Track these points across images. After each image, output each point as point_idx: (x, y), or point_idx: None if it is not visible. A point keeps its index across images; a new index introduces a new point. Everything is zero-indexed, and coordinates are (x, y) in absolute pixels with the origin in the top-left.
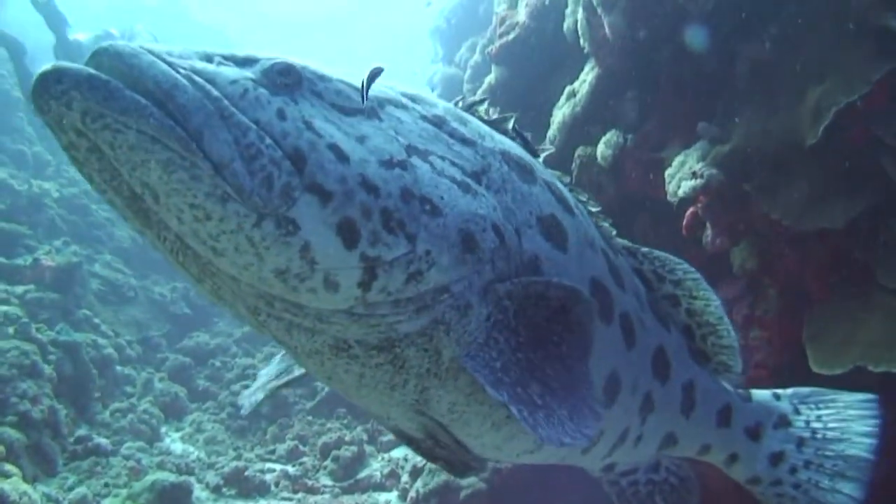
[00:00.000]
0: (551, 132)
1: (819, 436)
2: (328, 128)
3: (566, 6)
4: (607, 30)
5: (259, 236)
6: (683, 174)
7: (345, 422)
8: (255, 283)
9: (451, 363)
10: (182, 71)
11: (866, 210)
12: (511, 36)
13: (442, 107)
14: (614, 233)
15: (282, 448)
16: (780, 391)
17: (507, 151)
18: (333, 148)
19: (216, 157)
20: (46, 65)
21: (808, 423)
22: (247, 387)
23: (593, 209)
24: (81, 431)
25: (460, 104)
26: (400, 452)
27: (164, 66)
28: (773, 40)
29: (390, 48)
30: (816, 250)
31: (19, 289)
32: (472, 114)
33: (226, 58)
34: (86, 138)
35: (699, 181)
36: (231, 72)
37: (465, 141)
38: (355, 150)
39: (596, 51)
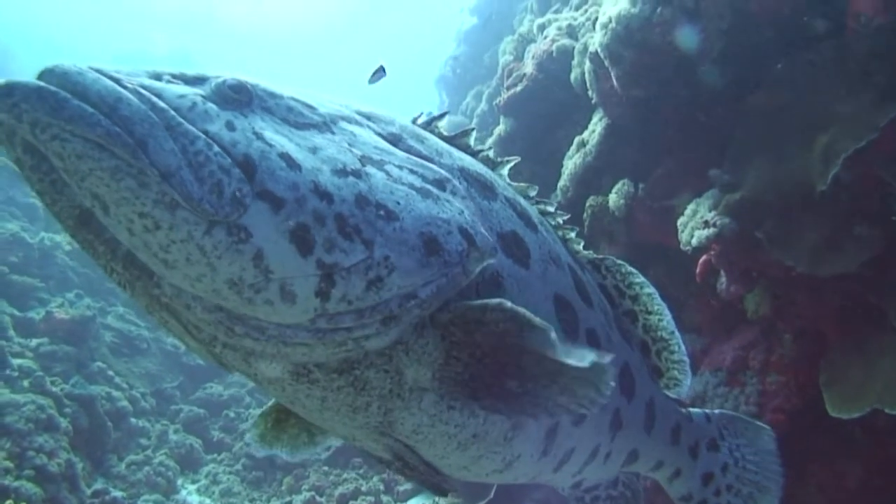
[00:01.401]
0: (562, 182)
1: (739, 464)
2: (279, 139)
3: (572, 57)
4: (615, 82)
5: (210, 244)
6: (696, 223)
7: (361, 472)
8: (209, 296)
9: (415, 384)
10: (129, 86)
11: (878, 254)
12: (519, 88)
13: (398, 124)
14: (581, 245)
15: (298, 499)
16: (710, 412)
17: (465, 168)
18: (284, 156)
19: (163, 165)
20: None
21: (730, 450)
22: None
23: (561, 219)
24: (98, 485)
25: (419, 121)
26: (417, 502)
27: (109, 82)
28: (780, 88)
29: (397, 97)
30: (830, 295)
31: (33, 342)
32: (431, 131)
33: (175, 76)
34: (36, 152)
35: (712, 230)
36: (179, 88)
37: (421, 157)
38: (307, 158)
39: (604, 101)
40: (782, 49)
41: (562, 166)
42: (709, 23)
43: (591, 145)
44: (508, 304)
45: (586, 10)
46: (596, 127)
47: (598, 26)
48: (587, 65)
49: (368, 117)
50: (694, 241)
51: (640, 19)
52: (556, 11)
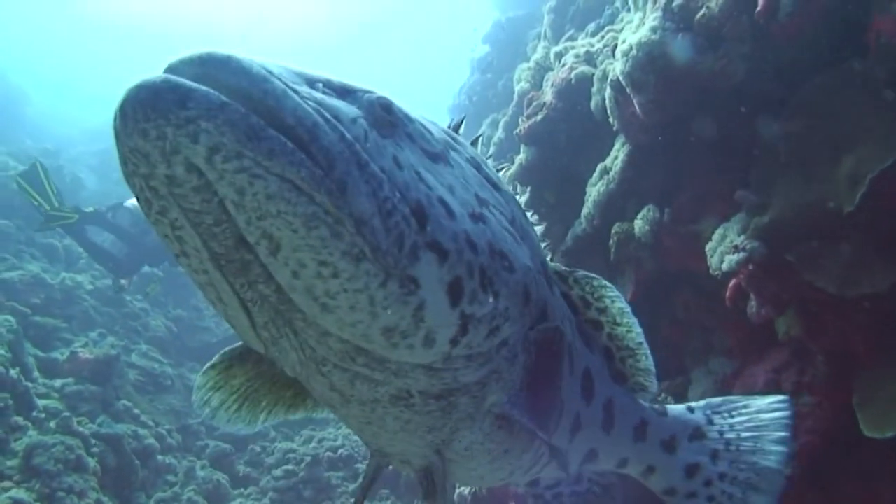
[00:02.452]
0: (586, 209)
1: (733, 447)
2: (430, 178)
3: (592, 85)
4: (637, 108)
5: (382, 296)
6: (725, 248)
7: (388, 503)
8: (354, 339)
9: (491, 407)
10: (310, 104)
11: None
12: (539, 116)
13: (469, 146)
14: (549, 256)
15: None
16: (693, 403)
17: (514, 195)
18: (442, 202)
19: (358, 213)
20: (151, 75)
21: (721, 433)
22: (289, 472)
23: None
24: None
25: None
26: None
27: (299, 98)
28: (804, 109)
29: None
30: (862, 315)
31: (58, 382)
32: None
33: (326, 85)
34: (196, 177)
35: (742, 254)
36: (346, 107)
37: (495, 186)
38: (453, 203)
39: (626, 127)
40: (805, 70)
41: (585, 193)
42: (730, 47)
43: (615, 172)
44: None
45: (603, 37)
46: (618, 153)
47: (618, 53)
48: (608, 91)
49: (454, 139)
50: (724, 266)
51: (662, 46)
52: (571, 38)
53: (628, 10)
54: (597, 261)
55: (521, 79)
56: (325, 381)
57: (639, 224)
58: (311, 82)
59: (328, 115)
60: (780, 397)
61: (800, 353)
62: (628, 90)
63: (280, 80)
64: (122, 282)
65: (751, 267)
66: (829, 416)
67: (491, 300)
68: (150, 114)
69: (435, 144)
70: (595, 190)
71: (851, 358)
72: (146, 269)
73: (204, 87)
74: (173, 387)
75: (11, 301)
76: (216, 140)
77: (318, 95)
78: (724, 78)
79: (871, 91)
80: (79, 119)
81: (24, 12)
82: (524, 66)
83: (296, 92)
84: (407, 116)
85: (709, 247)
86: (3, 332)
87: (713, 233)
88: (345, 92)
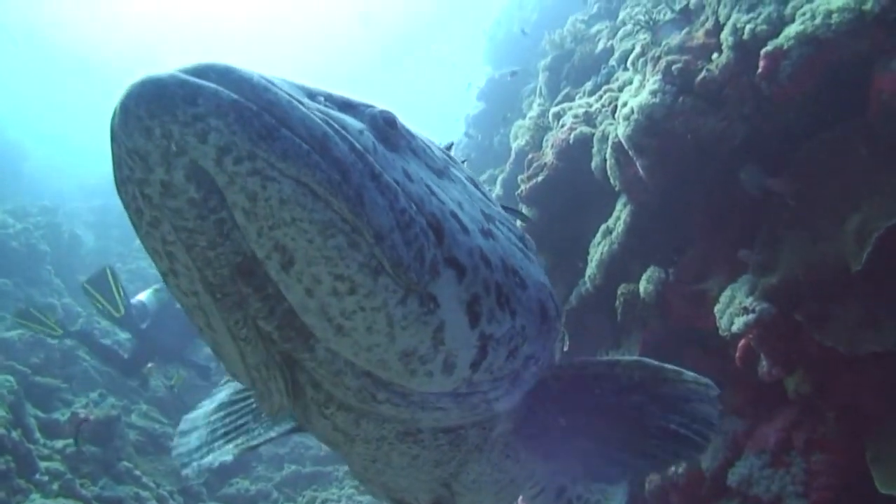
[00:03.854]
0: (590, 270)
1: None
2: (440, 192)
3: (592, 145)
4: (640, 170)
5: (400, 314)
6: (734, 309)
7: None
8: (370, 366)
9: (498, 438)
10: (317, 115)
11: None
12: (540, 178)
13: (464, 166)
14: None
15: None
16: None
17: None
18: (455, 216)
19: (377, 224)
20: (156, 71)
21: None
22: None
23: None
24: None
25: None
26: None
27: (305, 109)
28: (807, 167)
29: None
30: (872, 371)
31: (59, 443)
32: None
33: (327, 98)
34: (206, 182)
35: (751, 316)
36: (351, 119)
37: (494, 204)
38: (464, 218)
39: (628, 188)
40: (808, 129)
41: (587, 253)
42: (731, 109)
43: (618, 232)
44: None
45: (601, 96)
46: (621, 214)
47: (619, 117)
48: (609, 153)
49: (451, 158)
50: (734, 328)
51: (663, 109)
52: (567, 96)
53: (625, 69)
54: (601, 321)
55: (517, 136)
56: (328, 422)
57: (644, 285)
58: (312, 95)
59: (336, 126)
60: None
61: (810, 410)
62: (630, 153)
63: (283, 90)
64: (150, 365)
65: (760, 328)
66: (842, 473)
67: (508, 318)
68: (156, 110)
69: (438, 161)
70: (598, 250)
71: (863, 415)
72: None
73: (213, 84)
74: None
75: (11, 361)
76: (227, 139)
77: (323, 108)
78: (725, 139)
79: (874, 148)
80: (76, 172)
81: (18, 65)
82: (521, 122)
83: (300, 103)
84: (409, 132)
85: (717, 308)
86: (3, 393)
87: (720, 292)
88: (346, 106)
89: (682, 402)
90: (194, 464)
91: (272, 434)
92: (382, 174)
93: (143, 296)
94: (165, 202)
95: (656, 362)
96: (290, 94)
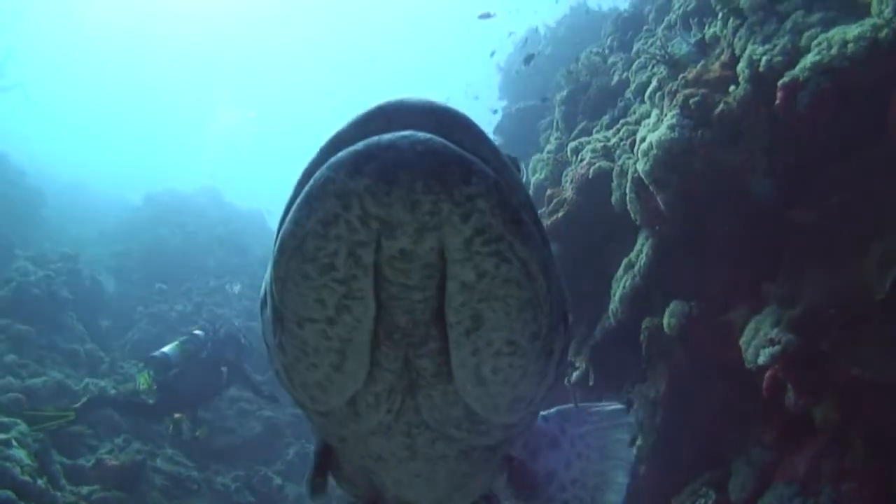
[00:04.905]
0: (613, 305)
1: (584, 456)
2: None
3: (611, 180)
4: (661, 205)
5: (532, 370)
6: (759, 341)
7: None
8: (482, 409)
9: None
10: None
11: None
12: (560, 214)
13: None
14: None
15: None
16: (545, 413)
17: None
18: (557, 268)
19: (554, 297)
20: (411, 132)
21: (573, 443)
22: None
23: None
24: None
25: None
26: None
27: (520, 181)
28: (828, 196)
29: None
30: None
31: (85, 489)
32: None
33: None
34: (436, 255)
35: (777, 347)
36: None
37: None
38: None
39: (649, 222)
40: (826, 157)
41: (610, 287)
42: (750, 141)
43: (640, 266)
44: None
45: (618, 130)
46: (643, 248)
47: (638, 152)
48: (629, 187)
49: None
50: (760, 360)
51: (682, 143)
52: (584, 129)
53: (641, 101)
54: (626, 355)
55: (536, 170)
56: (406, 441)
57: (668, 319)
58: None
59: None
60: (620, 406)
61: (839, 439)
62: (651, 188)
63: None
64: (177, 416)
65: (786, 359)
66: (871, 501)
67: (566, 357)
68: (434, 185)
69: None
70: (621, 284)
71: (891, 442)
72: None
73: (479, 161)
74: (200, 491)
75: (36, 409)
76: (486, 222)
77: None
78: (745, 171)
79: (893, 175)
80: (94, 217)
81: (34, 112)
82: (538, 156)
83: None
84: None
85: (742, 340)
86: (29, 441)
87: (744, 323)
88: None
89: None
90: None
91: None
92: (547, 241)
93: (168, 348)
94: (393, 264)
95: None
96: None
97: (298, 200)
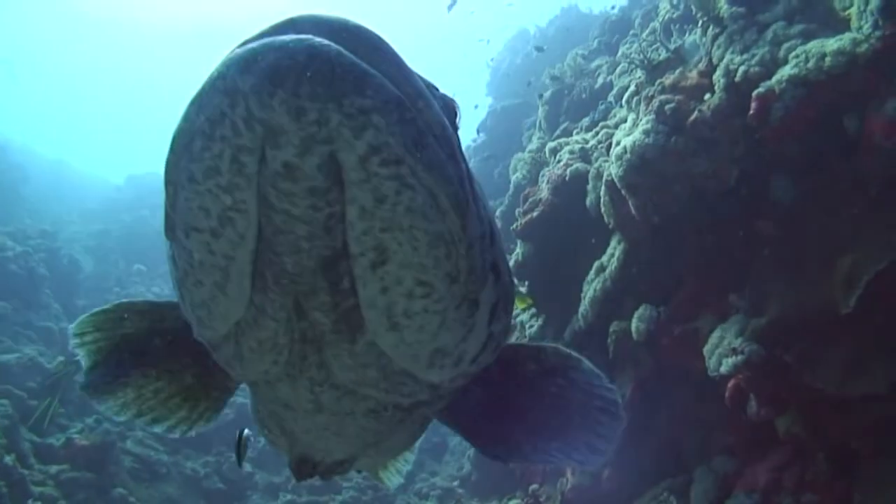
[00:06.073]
0: (583, 307)
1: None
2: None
3: (587, 182)
4: (633, 209)
5: (452, 317)
6: (723, 350)
7: None
8: (400, 360)
9: (432, 412)
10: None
11: None
12: (535, 213)
13: None
14: None
15: None
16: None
17: None
18: (492, 222)
19: (470, 236)
20: (306, 36)
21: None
22: None
23: None
24: None
25: None
26: None
27: (437, 108)
28: (798, 210)
29: None
30: (861, 413)
31: (54, 468)
32: None
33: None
34: (334, 174)
35: (740, 357)
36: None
37: None
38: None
39: (622, 226)
40: (798, 170)
41: (581, 289)
42: (723, 150)
43: (611, 269)
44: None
45: (597, 132)
46: (614, 251)
47: (613, 156)
48: (603, 191)
49: None
50: (723, 369)
51: (655, 149)
52: (565, 131)
53: (621, 106)
54: (594, 357)
55: (517, 168)
56: (311, 397)
57: (635, 323)
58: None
59: (451, 127)
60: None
61: (801, 451)
62: (623, 192)
63: (420, 80)
64: None
65: (749, 369)
66: None
67: (505, 317)
68: (322, 92)
69: None
70: (591, 288)
71: (852, 456)
72: None
73: (379, 75)
74: (169, 475)
75: (7, 385)
76: (383, 140)
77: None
78: (717, 180)
79: (863, 191)
80: (76, 196)
81: (22, 88)
82: (520, 156)
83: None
84: None
85: (706, 349)
86: None
87: (710, 331)
88: (429, 86)
89: (592, 386)
90: None
91: None
92: (471, 182)
93: None
94: (277, 183)
95: (569, 351)
96: (424, 85)
97: (192, 97)
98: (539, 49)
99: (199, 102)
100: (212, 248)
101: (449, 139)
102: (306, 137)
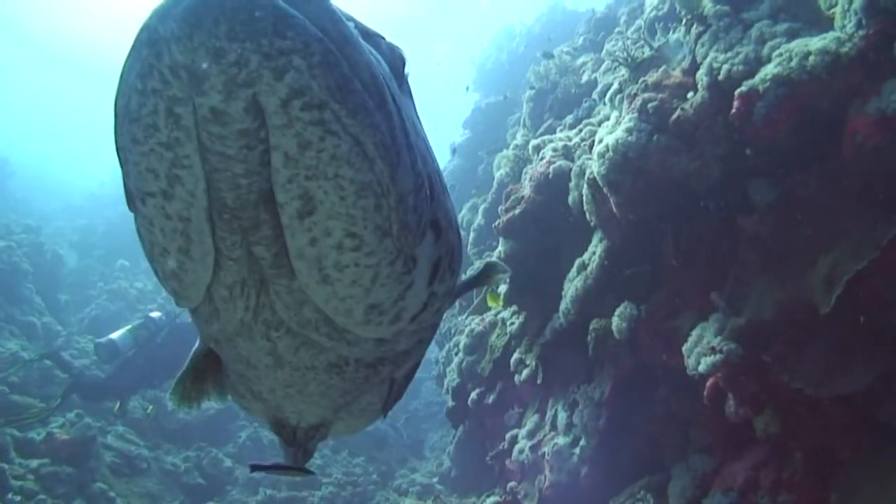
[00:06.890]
0: (564, 305)
1: None
2: (430, 147)
3: (570, 179)
4: (614, 207)
5: (385, 274)
6: (702, 349)
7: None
8: (334, 313)
9: (396, 374)
10: (374, 58)
11: (885, 372)
12: (517, 210)
13: None
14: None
15: None
16: None
17: None
18: (439, 175)
19: (401, 188)
20: None
21: None
22: None
23: None
24: None
25: None
26: None
27: (369, 55)
28: (779, 209)
29: None
30: (840, 413)
31: (34, 463)
32: None
33: (355, 25)
34: (260, 116)
35: (718, 356)
36: (375, 60)
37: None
38: (439, 175)
39: (603, 224)
40: (780, 170)
41: (563, 287)
42: (705, 148)
43: (592, 268)
44: None
45: (581, 130)
46: (596, 249)
47: (595, 154)
48: (585, 188)
49: None
50: (701, 368)
51: (637, 147)
52: (549, 128)
53: (604, 104)
54: (575, 355)
55: (500, 166)
56: (269, 345)
57: (616, 321)
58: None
59: (385, 74)
60: None
61: (778, 450)
62: (605, 190)
63: (350, 24)
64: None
65: (727, 368)
66: None
67: (450, 278)
68: (239, 32)
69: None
70: (573, 286)
71: (830, 456)
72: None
73: (301, 16)
74: (149, 470)
75: None
76: (304, 83)
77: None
78: (699, 178)
79: (845, 191)
80: (61, 191)
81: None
82: (504, 153)
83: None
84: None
85: (685, 347)
86: None
87: (690, 330)
88: (365, 35)
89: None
90: None
91: None
92: (412, 133)
93: (117, 335)
94: (208, 127)
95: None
96: (355, 30)
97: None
98: (548, 55)
99: (131, 58)
100: (167, 212)
101: (380, 87)
102: (228, 81)
